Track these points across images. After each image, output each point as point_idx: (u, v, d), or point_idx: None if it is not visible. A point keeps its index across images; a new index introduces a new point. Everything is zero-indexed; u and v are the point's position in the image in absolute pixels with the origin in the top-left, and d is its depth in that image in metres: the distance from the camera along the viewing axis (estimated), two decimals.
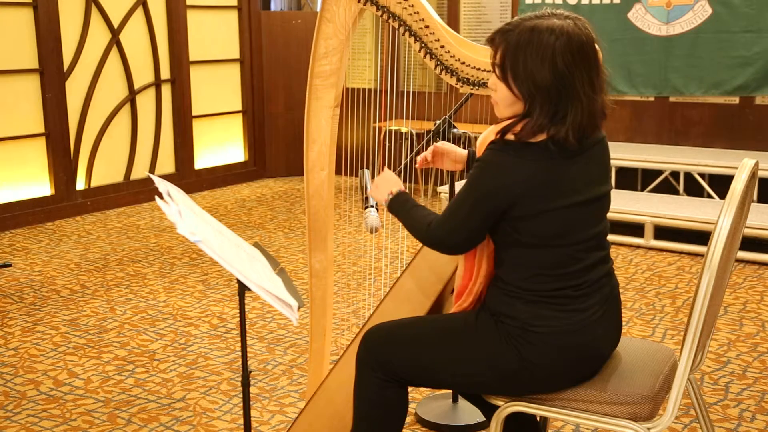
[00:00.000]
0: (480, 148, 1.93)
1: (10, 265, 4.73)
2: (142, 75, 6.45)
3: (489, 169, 1.86)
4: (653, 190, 5.65)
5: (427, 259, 2.41)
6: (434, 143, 2.40)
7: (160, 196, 1.80)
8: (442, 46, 2.30)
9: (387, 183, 2.18)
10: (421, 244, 2.42)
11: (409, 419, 2.87)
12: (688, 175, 5.53)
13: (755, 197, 5.19)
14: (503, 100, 1.89)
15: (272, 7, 7.77)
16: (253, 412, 2.95)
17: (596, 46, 1.87)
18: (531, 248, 1.89)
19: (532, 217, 1.85)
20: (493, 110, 1.95)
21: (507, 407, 1.98)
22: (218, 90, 7.08)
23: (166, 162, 6.75)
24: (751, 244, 4.73)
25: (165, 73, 6.60)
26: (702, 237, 4.79)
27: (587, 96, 1.82)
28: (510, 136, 1.85)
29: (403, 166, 2.55)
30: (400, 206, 2.11)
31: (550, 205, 1.84)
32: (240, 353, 3.51)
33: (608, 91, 1.94)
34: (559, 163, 1.84)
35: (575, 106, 1.81)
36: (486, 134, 1.93)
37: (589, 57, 1.83)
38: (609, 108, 1.92)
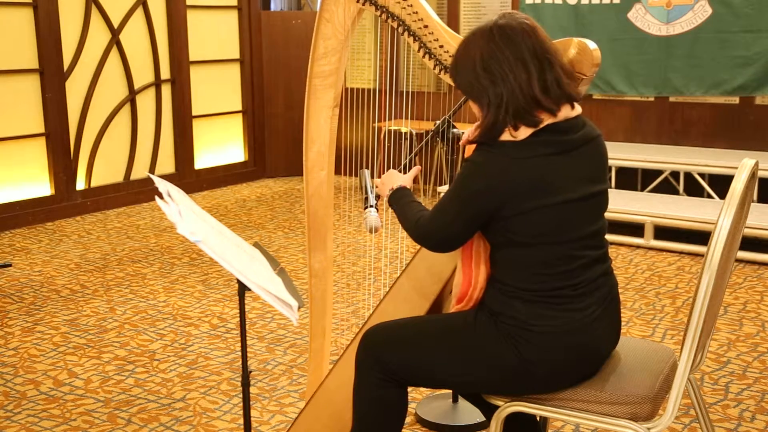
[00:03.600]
0: (466, 155, 1.95)
1: (10, 265, 4.73)
2: (142, 75, 6.45)
3: (477, 169, 1.87)
4: (653, 190, 5.65)
5: (426, 259, 2.41)
6: (433, 145, 2.41)
7: (160, 196, 1.80)
8: (441, 46, 2.30)
9: (392, 179, 2.23)
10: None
11: (409, 419, 2.87)
12: (688, 175, 5.53)
13: (755, 197, 5.19)
14: (474, 110, 1.96)
15: (272, 7, 7.77)
16: (253, 412, 2.95)
17: (529, 28, 1.87)
18: (526, 247, 1.89)
19: (524, 215, 1.85)
20: None
21: (507, 407, 1.98)
22: (218, 90, 7.08)
23: (166, 162, 6.75)
24: (751, 244, 4.73)
25: (165, 73, 6.60)
26: (702, 237, 4.78)
27: (517, 77, 1.83)
28: (484, 139, 1.88)
29: (402, 166, 2.55)
30: (397, 200, 2.16)
31: (540, 202, 1.84)
32: (240, 353, 3.51)
33: (599, 84, 1.96)
34: (549, 160, 1.85)
35: (506, 89, 1.84)
36: (468, 146, 1.96)
37: (513, 39, 1.85)
38: (569, 87, 1.89)
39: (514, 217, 1.86)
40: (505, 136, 1.86)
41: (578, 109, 1.93)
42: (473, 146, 1.92)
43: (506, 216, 1.86)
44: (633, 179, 5.79)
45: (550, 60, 1.87)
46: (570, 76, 1.92)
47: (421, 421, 2.87)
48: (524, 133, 1.85)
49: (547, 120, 1.86)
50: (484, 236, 1.97)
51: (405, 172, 2.32)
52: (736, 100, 5.59)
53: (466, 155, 1.95)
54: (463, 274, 2.02)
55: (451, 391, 2.94)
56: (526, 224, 1.86)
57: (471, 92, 1.91)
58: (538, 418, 2.30)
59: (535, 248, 1.88)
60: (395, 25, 2.35)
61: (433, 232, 1.98)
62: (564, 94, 1.88)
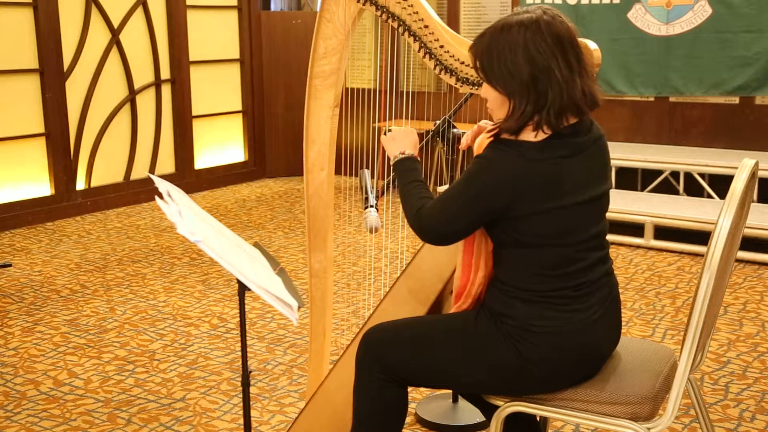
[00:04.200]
0: (478, 151, 1.93)
1: (10, 265, 4.73)
2: (142, 75, 6.45)
3: (489, 167, 1.85)
4: (653, 190, 5.65)
5: (426, 260, 2.41)
6: (433, 145, 2.40)
7: (160, 196, 1.80)
8: (442, 46, 2.30)
9: (405, 140, 2.16)
10: (421, 245, 2.42)
11: (409, 419, 2.87)
12: (688, 175, 5.53)
13: (755, 197, 5.19)
14: (492, 102, 1.91)
15: (272, 7, 7.77)
16: (253, 412, 2.95)
17: (571, 30, 1.86)
18: (531, 248, 1.88)
19: (532, 216, 1.84)
20: None
21: (507, 407, 1.98)
22: (218, 90, 7.08)
23: (166, 162, 6.75)
24: (751, 244, 4.73)
25: (165, 73, 6.60)
26: (702, 237, 4.78)
27: (564, 76, 1.82)
28: (505, 136, 1.86)
29: None
30: (403, 172, 2.10)
31: (550, 204, 1.83)
32: (240, 353, 3.51)
33: (599, 84, 1.94)
34: (559, 162, 1.83)
35: (553, 88, 1.81)
36: (480, 140, 1.93)
37: (562, 39, 1.83)
38: (597, 95, 1.89)
39: (522, 218, 1.85)
40: (524, 136, 1.84)
41: None
42: (485, 143, 1.89)
43: (514, 216, 1.85)
44: (633, 179, 5.79)
45: (586, 64, 1.87)
46: (595, 81, 1.91)
47: (421, 421, 2.87)
48: (544, 134, 1.84)
49: (570, 122, 1.86)
50: (489, 235, 1.96)
51: None
52: (736, 100, 5.59)
53: (477, 152, 1.91)
54: (462, 269, 2.01)
55: (451, 391, 2.94)
56: (533, 225, 1.85)
57: (507, 81, 1.84)
58: (538, 418, 2.30)
59: (540, 249, 1.88)
60: (396, 25, 2.35)
61: (434, 226, 1.95)
62: (594, 100, 1.88)
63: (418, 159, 2.14)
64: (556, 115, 1.82)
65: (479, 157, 1.87)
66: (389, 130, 2.20)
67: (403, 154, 2.13)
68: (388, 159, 2.18)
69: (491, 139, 1.88)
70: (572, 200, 1.85)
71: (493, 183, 1.83)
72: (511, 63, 1.82)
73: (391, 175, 2.44)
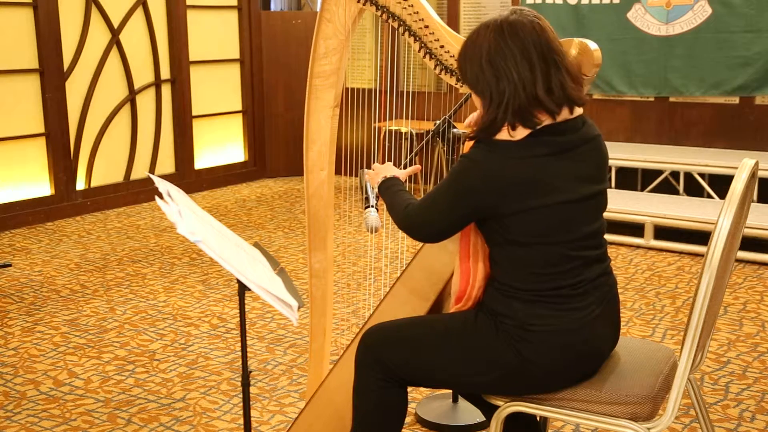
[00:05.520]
0: (465, 151, 1.95)
1: (10, 265, 4.73)
2: (142, 75, 6.45)
3: (472, 166, 1.86)
4: (653, 190, 5.65)
5: (427, 260, 2.41)
6: (433, 145, 2.41)
7: (160, 196, 1.80)
8: (442, 46, 2.30)
9: (386, 169, 2.25)
10: (421, 244, 2.42)
11: (409, 419, 2.87)
12: (688, 175, 5.53)
13: (755, 197, 5.19)
14: (477, 104, 1.95)
15: (272, 7, 7.77)
16: (253, 412, 2.95)
17: (539, 29, 1.85)
18: (523, 247, 1.88)
19: (519, 215, 1.84)
20: None
21: (507, 407, 1.98)
22: (218, 90, 7.08)
23: (166, 162, 6.75)
24: (751, 244, 4.73)
25: (165, 73, 6.60)
26: (702, 237, 4.79)
27: (521, 75, 1.82)
28: (482, 136, 1.88)
29: (402, 166, 2.55)
30: (387, 188, 2.17)
31: (536, 202, 1.83)
32: (240, 353, 3.51)
33: (598, 84, 1.95)
34: (546, 161, 1.84)
35: (509, 88, 1.83)
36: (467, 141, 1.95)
37: (524, 39, 1.83)
38: (572, 92, 1.87)
39: (509, 216, 1.85)
40: (503, 136, 1.85)
41: (577, 111, 1.93)
42: (471, 142, 1.91)
43: (501, 215, 1.86)
44: (633, 179, 5.79)
45: (557, 61, 1.85)
46: (576, 80, 1.89)
47: (421, 421, 2.87)
48: (521, 133, 1.84)
49: (546, 121, 1.86)
50: (481, 234, 1.97)
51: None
52: (736, 100, 5.59)
53: (464, 151, 1.93)
54: (461, 273, 2.02)
55: (451, 391, 2.94)
56: (522, 224, 1.86)
57: (476, 86, 1.89)
58: (538, 418, 2.31)
59: (532, 248, 1.88)
60: (396, 25, 2.35)
61: (421, 224, 2.00)
62: (567, 97, 1.87)
63: (401, 179, 2.21)
64: (514, 114, 1.83)
65: (463, 157, 1.90)
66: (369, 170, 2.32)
67: (385, 178, 2.21)
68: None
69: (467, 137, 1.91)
70: (559, 198, 1.85)
71: (476, 182, 1.85)
72: (477, 65, 1.86)
73: None
